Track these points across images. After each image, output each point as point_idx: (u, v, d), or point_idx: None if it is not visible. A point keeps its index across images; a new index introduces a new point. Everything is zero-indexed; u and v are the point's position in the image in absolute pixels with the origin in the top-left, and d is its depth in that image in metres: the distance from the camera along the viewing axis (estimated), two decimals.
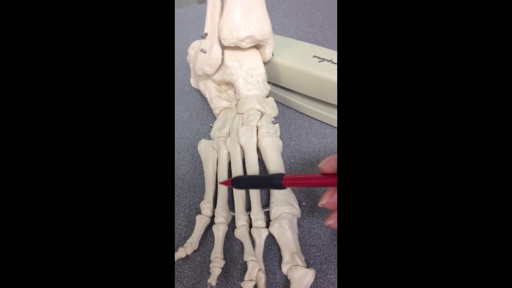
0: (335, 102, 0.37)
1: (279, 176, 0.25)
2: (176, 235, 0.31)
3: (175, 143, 0.39)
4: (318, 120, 0.40)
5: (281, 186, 0.25)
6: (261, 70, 0.36)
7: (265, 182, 0.27)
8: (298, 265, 0.26)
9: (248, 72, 0.35)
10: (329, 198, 0.22)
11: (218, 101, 0.38)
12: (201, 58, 0.36)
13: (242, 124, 0.34)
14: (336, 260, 0.28)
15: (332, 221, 0.22)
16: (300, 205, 0.30)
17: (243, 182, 0.28)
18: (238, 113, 0.36)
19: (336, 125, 0.39)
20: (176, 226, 0.32)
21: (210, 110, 0.43)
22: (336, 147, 0.37)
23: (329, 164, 0.22)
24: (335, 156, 0.21)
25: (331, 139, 0.38)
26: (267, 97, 0.37)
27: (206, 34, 0.35)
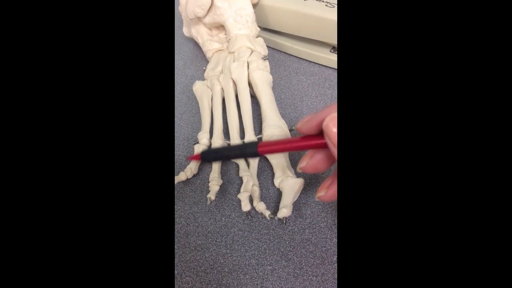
0: (324, 39, 0.39)
1: (253, 144, 0.22)
2: (176, 164, 0.33)
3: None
4: (307, 60, 0.42)
5: (256, 154, 0.22)
6: (249, 10, 0.37)
7: (238, 152, 0.25)
8: (289, 176, 0.28)
9: (237, 12, 0.37)
10: (309, 160, 0.20)
11: (210, 43, 0.40)
12: (192, 1, 0.37)
13: (234, 60, 0.36)
14: (324, 175, 0.31)
15: (322, 193, 0.20)
16: (290, 129, 0.32)
17: (213, 154, 0.26)
18: (229, 53, 0.37)
19: (324, 63, 0.41)
20: (176, 157, 0.34)
21: (203, 58, 0.44)
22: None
23: (308, 123, 0.19)
24: (313, 115, 0.19)
25: (319, 77, 0.40)
26: (256, 37, 0.39)
27: None
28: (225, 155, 0.25)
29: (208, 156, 0.26)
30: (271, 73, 0.36)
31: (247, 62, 0.35)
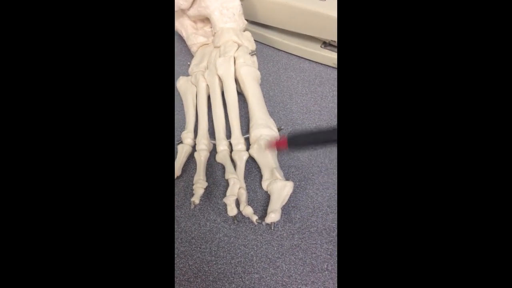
0: (315, 34, 0.37)
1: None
2: None
3: None
4: (296, 56, 0.40)
5: None
6: (236, 2, 0.35)
7: (327, 135, 0.21)
8: (277, 179, 0.27)
9: (224, 5, 0.35)
10: None
11: (195, 37, 0.38)
12: None
13: (220, 56, 0.34)
14: (313, 177, 0.30)
15: None
16: (279, 129, 0.31)
17: (304, 138, 0.22)
18: (215, 47, 0.35)
19: (314, 59, 0.39)
20: None
21: (187, 52, 0.42)
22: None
23: None
24: None
25: (309, 73, 0.38)
26: (244, 31, 0.37)
27: None
28: (320, 140, 0.22)
29: (297, 142, 0.22)
30: (259, 69, 0.35)
31: (234, 58, 0.33)
